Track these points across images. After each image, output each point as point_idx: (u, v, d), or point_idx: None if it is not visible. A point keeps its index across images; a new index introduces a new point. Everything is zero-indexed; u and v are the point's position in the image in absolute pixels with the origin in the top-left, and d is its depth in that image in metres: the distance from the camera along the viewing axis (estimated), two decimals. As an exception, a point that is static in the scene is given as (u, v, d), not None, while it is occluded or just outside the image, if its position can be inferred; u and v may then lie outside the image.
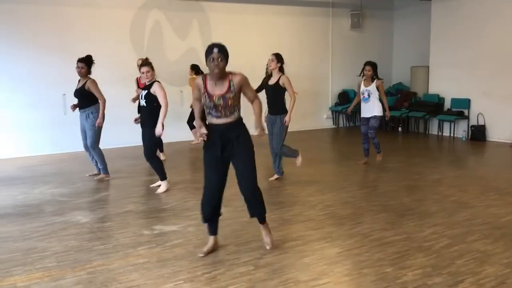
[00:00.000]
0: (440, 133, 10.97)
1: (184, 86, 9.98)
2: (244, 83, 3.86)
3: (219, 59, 3.72)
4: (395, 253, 4.04)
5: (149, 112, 5.97)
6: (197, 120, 4.01)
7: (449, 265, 3.78)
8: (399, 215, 5.08)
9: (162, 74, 9.00)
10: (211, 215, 4.03)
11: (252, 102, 4.01)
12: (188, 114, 9.51)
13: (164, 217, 5.23)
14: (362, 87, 7.43)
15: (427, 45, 11.43)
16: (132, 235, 4.62)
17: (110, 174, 7.10)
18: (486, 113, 10.12)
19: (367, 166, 7.62)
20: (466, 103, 10.49)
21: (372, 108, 7.37)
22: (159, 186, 6.31)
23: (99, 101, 6.68)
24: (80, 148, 7.17)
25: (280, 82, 6.34)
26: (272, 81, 6.43)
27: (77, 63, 6.64)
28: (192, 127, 9.56)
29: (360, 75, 7.52)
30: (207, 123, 3.97)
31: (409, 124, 11.72)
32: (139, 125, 6.30)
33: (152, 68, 6.02)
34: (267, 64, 6.53)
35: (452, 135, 10.64)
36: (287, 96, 6.48)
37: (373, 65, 7.35)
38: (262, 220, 4.17)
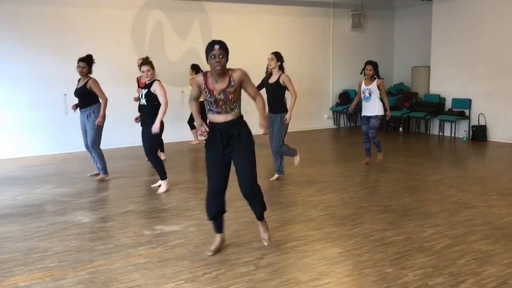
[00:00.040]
0: (441, 133, 10.97)
1: (185, 86, 10.00)
2: (244, 78, 3.86)
3: (221, 56, 3.72)
4: (396, 253, 4.04)
5: (149, 111, 5.96)
6: (197, 119, 4.01)
7: (450, 265, 3.78)
8: (400, 215, 5.08)
9: (163, 74, 9.01)
10: (216, 212, 4.04)
11: (254, 98, 3.99)
12: (189, 114, 9.52)
13: (165, 217, 5.23)
14: (363, 86, 7.43)
15: (428, 45, 11.43)
16: (133, 235, 4.63)
17: (111, 174, 7.11)
18: (487, 113, 10.12)
19: (368, 166, 7.62)
20: (467, 103, 10.49)
21: (373, 107, 7.37)
22: (160, 186, 6.32)
23: (101, 101, 6.69)
24: (81, 148, 7.18)
25: (281, 81, 6.35)
26: (272, 80, 6.44)
27: (78, 63, 6.64)
28: (192, 127, 9.57)
29: (361, 73, 7.52)
30: (207, 122, 3.97)
31: (410, 124, 11.72)
32: (139, 124, 6.31)
33: (152, 67, 6.03)
34: (267, 64, 6.54)
35: (453, 135, 10.63)
36: (287, 95, 6.49)
37: (374, 65, 7.36)
38: (261, 218, 4.18)
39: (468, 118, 10.47)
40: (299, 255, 4.05)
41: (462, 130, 10.54)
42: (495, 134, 10.04)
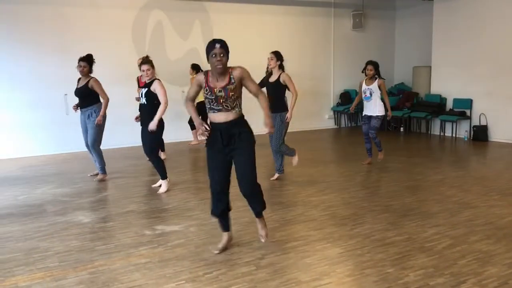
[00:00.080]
0: (442, 133, 10.96)
1: (185, 86, 9.97)
2: (244, 75, 3.85)
3: (222, 55, 3.73)
4: (397, 253, 4.03)
5: (149, 110, 5.95)
6: (196, 119, 4.01)
7: (451, 265, 3.77)
8: (401, 215, 5.07)
9: (164, 73, 8.99)
10: (221, 211, 4.05)
11: (256, 96, 3.98)
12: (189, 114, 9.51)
13: (166, 217, 5.23)
14: (364, 86, 7.43)
15: (429, 45, 11.42)
16: (134, 235, 4.62)
17: (112, 174, 7.11)
18: (488, 113, 10.11)
19: (369, 166, 7.61)
20: (468, 103, 10.48)
21: (373, 107, 7.37)
22: (160, 186, 6.32)
23: (103, 100, 6.69)
24: (82, 148, 7.18)
25: (281, 80, 6.36)
26: (272, 79, 6.44)
27: (79, 62, 6.64)
28: (192, 127, 9.56)
29: (363, 72, 7.51)
30: (208, 122, 3.97)
31: (411, 124, 11.71)
32: (139, 124, 6.30)
33: (152, 66, 6.02)
34: (268, 64, 6.54)
35: (454, 135, 10.62)
36: (287, 94, 6.48)
37: (375, 65, 7.35)
38: (259, 215, 4.19)
39: (469, 118, 10.46)
40: (300, 255, 4.05)
41: (463, 130, 10.53)
42: (496, 134, 10.03)
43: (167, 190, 6.23)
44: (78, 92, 6.75)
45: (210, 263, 3.91)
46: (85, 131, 6.83)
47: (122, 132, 9.26)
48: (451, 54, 10.78)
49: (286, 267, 3.81)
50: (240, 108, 3.90)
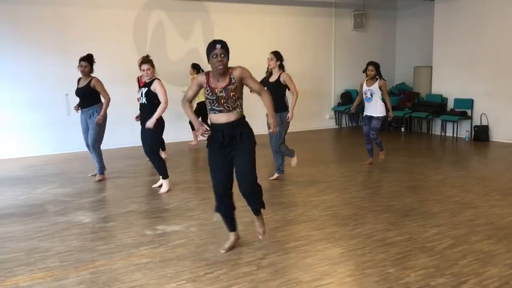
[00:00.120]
0: (443, 134, 10.95)
1: (186, 86, 9.94)
2: (245, 75, 3.85)
3: (222, 55, 3.73)
4: (398, 253, 4.03)
5: (149, 110, 5.93)
6: (194, 120, 4.01)
7: (452, 265, 3.77)
8: (402, 215, 5.07)
9: (164, 73, 8.99)
10: (226, 211, 4.06)
11: (259, 94, 3.97)
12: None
13: (167, 217, 5.23)
14: (365, 87, 7.42)
15: (430, 45, 11.41)
16: (135, 235, 4.62)
17: (113, 174, 7.11)
18: (489, 113, 10.10)
19: (370, 166, 7.60)
20: (469, 103, 10.47)
21: (374, 107, 7.36)
22: (161, 186, 6.32)
23: (104, 100, 6.69)
24: (83, 148, 7.18)
25: (281, 79, 6.36)
26: (272, 79, 6.44)
27: (80, 62, 6.63)
28: (193, 127, 9.54)
29: (364, 72, 7.51)
30: (209, 123, 3.97)
31: (412, 124, 11.70)
32: (139, 123, 6.29)
33: (152, 65, 6.01)
34: (268, 64, 6.54)
35: (455, 135, 10.61)
36: (287, 94, 6.48)
37: (376, 65, 7.35)
38: (257, 214, 4.19)
39: (470, 118, 10.45)
40: (301, 255, 4.04)
41: (464, 130, 10.52)
42: (497, 134, 10.02)
43: (168, 190, 6.23)
44: (80, 92, 6.74)
45: (211, 263, 3.91)
46: (86, 131, 6.83)
47: (123, 132, 9.26)
48: (452, 54, 10.77)
49: (287, 267, 3.81)
50: (242, 108, 3.90)
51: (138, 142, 6.37)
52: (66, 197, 6.10)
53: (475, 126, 10.29)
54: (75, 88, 6.83)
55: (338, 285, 3.49)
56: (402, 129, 11.68)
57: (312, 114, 12.15)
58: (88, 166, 7.60)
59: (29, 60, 9.01)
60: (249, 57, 9.39)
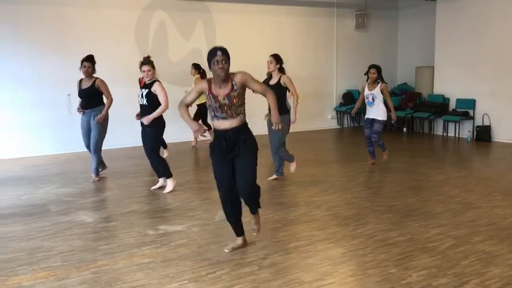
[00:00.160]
0: (445, 134, 10.93)
1: (188, 86, 9.98)
2: (247, 79, 3.86)
3: (224, 62, 3.74)
4: (399, 253, 4.03)
5: (149, 112, 5.92)
6: (193, 122, 4.02)
7: (454, 266, 3.77)
8: (403, 215, 5.07)
9: (166, 74, 9.01)
10: (234, 213, 4.09)
11: (264, 94, 3.99)
12: (192, 114, 9.51)
13: (169, 217, 5.23)
14: (367, 91, 7.39)
15: (432, 45, 11.39)
16: (137, 235, 4.63)
17: (114, 174, 7.13)
18: (491, 113, 10.08)
19: (372, 166, 7.60)
20: (471, 103, 10.45)
21: (376, 111, 7.34)
22: (161, 187, 6.31)
23: (107, 100, 6.69)
24: (85, 148, 7.15)
25: (282, 82, 6.36)
26: (272, 82, 6.43)
27: (83, 63, 6.62)
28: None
29: (365, 75, 7.49)
30: (212, 128, 3.99)
31: (414, 124, 11.69)
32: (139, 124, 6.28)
33: (153, 66, 6.00)
34: (268, 67, 6.53)
35: (457, 135, 10.60)
36: (288, 97, 6.49)
37: (378, 68, 7.33)
38: (254, 213, 4.21)
39: (472, 118, 10.44)
40: (302, 255, 4.05)
41: (466, 131, 10.51)
42: (499, 135, 10.00)
43: (172, 190, 6.21)
44: (84, 93, 6.70)
45: (213, 263, 3.91)
46: (86, 134, 6.79)
47: (124, 132, 9.26)
48: (454, 54, 10.75)
49: (289, 267, 3.81)
50: (244, 114, 3.93)
51: (139, 142, 6.38)
52: (68, 197, 6.11)
53: (477, 126, 10.27)
54: (76, 89, 6.79)
55: (339, 285, 3.49)
56: (404, 129, 11.67)
57: (314, 114, 12.14)
58: (90, 166, 7.58)
59: (30, 60, 9.02)
60: (251, 57, 9.40)
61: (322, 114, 12.58)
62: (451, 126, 10.81)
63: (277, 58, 6.40)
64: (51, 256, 4.13)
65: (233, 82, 3.81)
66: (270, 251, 4.14)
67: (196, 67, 9.45)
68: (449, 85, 10.97)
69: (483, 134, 10.09)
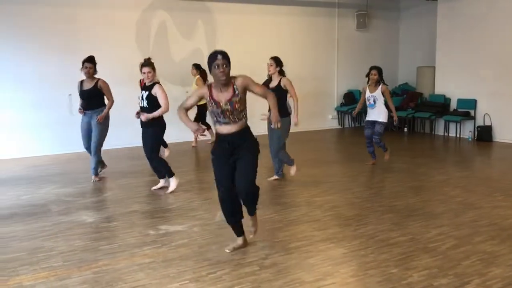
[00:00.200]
0: (446, 134, 10.93)
1: (190, 87, 9.98)
2: (247, 83, 3.87)
3: (224, 65, 3.74)
4: (400, 254, 4.02)
5: (150, 113, 5.94)
6: (191, 123, 4.03)
7: (455, 266, 3.77)
8: (404, 216, 5.06)
9: (167, 74, 9.02)
10: (233, 213, 4.07)
11: (265, 97, 4.01)
12: (194, 115, 9.50)
13: (170, 217, 5.23)
14: (368, 93, 7.38)
15: (433, 45, 11.39)
16: (138, 235, 4.63)
17: (115, 174, 7.13)
18: (492, 113, 10.07)
19: (373, 166, 7.60)
20: (472, 103, 10.45)
21: (378, 113, 7.33)
22: (161, 188, 6.31)
23: (108, 101, 6.70)
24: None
25: (282, 84, 6.35)
26: (273, 84, 6.42)
27: (84, 64, 6.60)
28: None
29: (366, 77, 7.48)
30: (214, 132, 3.99)
31: (415, 124, 11.69)
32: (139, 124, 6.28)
33: (153, 68, 5.99)
34: (268, 70, 6.52)
35: (458, 135, 10.59)
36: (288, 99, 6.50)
37: (379, 70, 7.32)
38: (252, 214, 4.21)
39: (473, 118, 10.43)
40: (303, 255, 4.04)
41: (467, 131, 10.50)
42: (501, 135, 9.99)
43: (174, 191, 6.20)
44: (86, 94, 6.68)
45: (213, 263, 3.91)
46: (86, 135, 6.78)
47: (124, 132, 9.25)
48: (455, 54, 10.75)
49: (290, 267, 3.81)
50: (246, 118, 3.95)
51: (139, 142, 6.38)
52: (69, 197, 6.11)
53: (478, 127, 10.27)
54: (77, 90, 6.77)
55: (340, 286, 3.49)
56: (405, 129, 11.66)
57: (314, 115, 12.13)
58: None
59: (30, 60, 9.02)
60: (252, 57, 9.42)
61: (323, 114, 12.57)
62: (452, 126, 10.80)
63: (277, 61, 6.39)
64: (52, 256, 4.14)
65: (235, 86, 3.81)
66: (271, 251, 4.13)
67: (197, 67, 9.44)
68: (450, 85, 10.96)
69: (484, 134, 10.09)
